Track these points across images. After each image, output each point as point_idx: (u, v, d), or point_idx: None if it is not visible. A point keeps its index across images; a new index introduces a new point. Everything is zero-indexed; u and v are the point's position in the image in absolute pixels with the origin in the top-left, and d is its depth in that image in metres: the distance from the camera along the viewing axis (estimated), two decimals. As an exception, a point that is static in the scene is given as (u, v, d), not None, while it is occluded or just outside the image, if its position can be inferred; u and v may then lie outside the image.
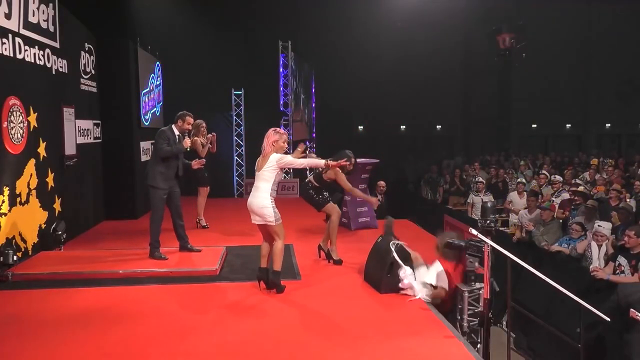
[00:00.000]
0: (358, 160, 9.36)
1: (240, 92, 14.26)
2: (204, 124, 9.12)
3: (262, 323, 5.20)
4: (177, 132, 7.12)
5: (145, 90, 11.39)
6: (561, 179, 10.58)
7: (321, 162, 6.19)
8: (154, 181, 6.99)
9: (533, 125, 21.17)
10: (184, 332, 4.95)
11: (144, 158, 11.26)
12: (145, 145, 11.38)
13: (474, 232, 5.08)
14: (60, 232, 7.76)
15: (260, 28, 15.25)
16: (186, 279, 6.46)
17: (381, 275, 6.07)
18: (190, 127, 7.30)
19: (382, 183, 11.23)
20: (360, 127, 19.80)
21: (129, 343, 4.71)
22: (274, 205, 5.76)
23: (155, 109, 12.20)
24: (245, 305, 5.64)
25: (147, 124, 11.45)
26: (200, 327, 5.06)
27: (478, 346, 5.48)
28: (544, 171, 12.85)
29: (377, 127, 19.26)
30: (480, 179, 12.13)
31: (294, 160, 5.90)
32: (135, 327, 5.07)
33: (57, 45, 8.17)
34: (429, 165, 16.30)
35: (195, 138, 8.91)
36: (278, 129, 5.99)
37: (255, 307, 5.57)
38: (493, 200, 10.75)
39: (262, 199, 5.73)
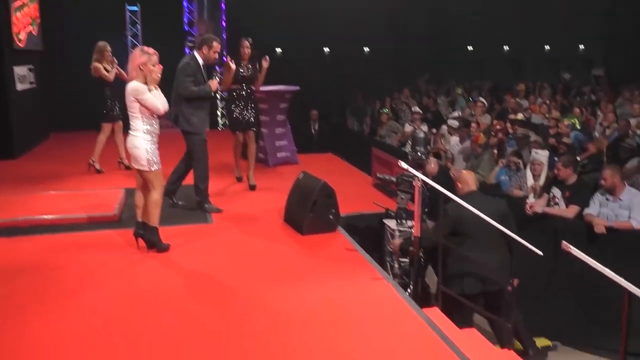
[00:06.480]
0: (275, 88, 9.32)
1: (135, 9, 13.63)
2: (109, 47, 8.64)
3: (170, 272, 5.22)
4: (201, 62, 6.74)
5: (16, 4, 10.64)
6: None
7: (161, 108, 5.41)
8: (190, 126, 6.65)
9: (469, 48, 21.63)
10: (82, 285, 4.90)
11: (20, 87, 10.67)
12: (20, 71, 10.74)
13: (404, 165, 5.25)
14: None
15: None
16: (80, 227, 6.34)
17: (303, 214, 6.19)
18: (217, 55, 6.83)
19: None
20: (278, 50, 19.50)
21: (15, 301, 4.61)
22: (149, 147, 5.39)
23: (31, 26, 11.46)
24: (150, 253, 5.61)
25: (22, 45, 10.77)
26: (100, 280, 5.02)
27: (410, 288, 5.74)
28: (481, 99, 13.26)
29: (297, 49, 19.03)
30: (417, 109, 12.37)
31: (151, 99, 5.31)
32: (22, 283, 4.96)
33: None
34: (355, 92, 16.39)
35: (97, 64, 8.54)
36: (146, 47, 5.48)
37: (161, 255, 5.57)
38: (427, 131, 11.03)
39: (132, 137, 5.38)
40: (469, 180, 5.75)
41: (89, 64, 8.57)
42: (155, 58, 5.40)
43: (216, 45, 6.74)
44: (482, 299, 5.31)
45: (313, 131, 13.32)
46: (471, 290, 5.25)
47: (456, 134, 10.16)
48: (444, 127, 11.03)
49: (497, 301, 5.39)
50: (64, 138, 11.92)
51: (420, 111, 12.36)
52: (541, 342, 6.15)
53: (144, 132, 5.38)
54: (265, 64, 8.00)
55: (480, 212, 4.91)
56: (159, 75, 5.44)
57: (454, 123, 10.49)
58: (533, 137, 8.92)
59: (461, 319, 4.95)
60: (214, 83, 6.75)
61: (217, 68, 6.94)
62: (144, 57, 5.34)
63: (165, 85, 5.72)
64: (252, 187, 8.00)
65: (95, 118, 8.95)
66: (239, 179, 8.35)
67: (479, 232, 5.26)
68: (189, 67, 6.66)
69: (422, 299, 6.03)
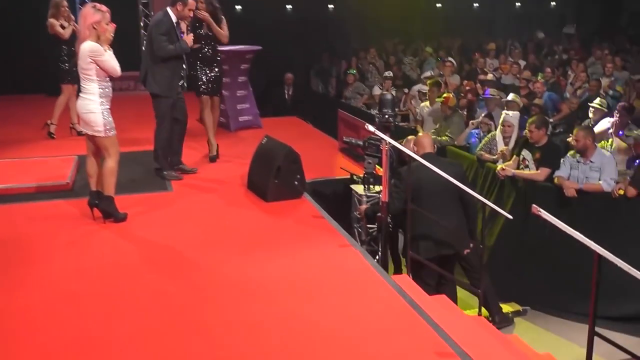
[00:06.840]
0: (236, 48, 9.17)
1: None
2: (65, 2, 8.40)
3: (128, 242, 5.21)
4: (174, 19, 6.59)
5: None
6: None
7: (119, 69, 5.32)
8: (156, 88, 6.55)
9: (437, 5, 21.62)
10: (35, 259, 4.85)
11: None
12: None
13: (371, 128, 5.28)
14: None
15: None
16: (31, 197, 6.24)
17: (267, 181, 6.20)
18: (192, 13, 6.76)
19: None
20: (238, 7, 19.21)
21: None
22: (105, 111, 5.30)
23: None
24: (107, 223, 5.55)
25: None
26: (54, 252, 4.98)
27: (378, 255, 5.82)
28: (450, 59, 13.30)
29: (259, 6, 18.78)
30: (390, 74, 12.35)
31: (109, 61, 5.21)
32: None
33: None
34: (320, 52, 16.26)
35: (53, 20, 8.29)
36: (99, 5, 5.33)
37: (119, 225, 5.52)
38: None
39: (87, 101, 5.27)
40: (424, 142, 5.75)
41: (36, 22, 8.31)
42: (108, 16, 5.28)
43: (191, 2, 6.69)
44: (437, 263, 5.38)
45: (287, 96, 12.96)
46: (427, 254, 5.31)
47: (426, 97, 10.21)
48: (415, 89, 11.09)
49: (453, 265, 5.51)
50: (5, 101, 11.47)
51: (392, 74, 12.35)
52: (511, 307, 6.32)
53: (100, 96, 5.28)
54: (200, 15, 7.35)
55: (436, 175, 4.98)
56: (112, 35, 5.34)
57: (424, 88, 10.53)
58: (511, 97, 8.99)
59: (421, 285, 5.00)
60: (189, 38, 6.69)
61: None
62: (98, 15, 5.21)
63: (122, 45, 5.61)
64: None
65: (41, 80, 8.69)
66: (213, 159, 7.69)
67: (434, 196, 5.33)
68: (162, 26, 6.57)
69: (397, 266, 6.16)
